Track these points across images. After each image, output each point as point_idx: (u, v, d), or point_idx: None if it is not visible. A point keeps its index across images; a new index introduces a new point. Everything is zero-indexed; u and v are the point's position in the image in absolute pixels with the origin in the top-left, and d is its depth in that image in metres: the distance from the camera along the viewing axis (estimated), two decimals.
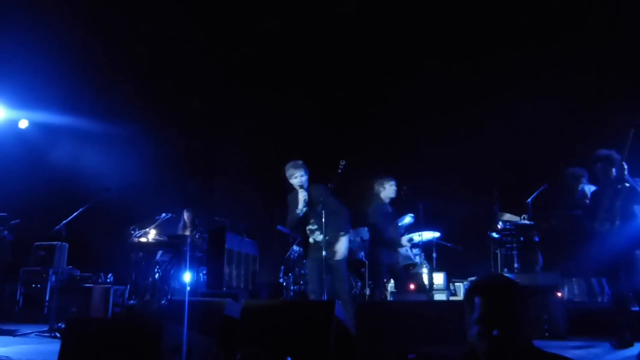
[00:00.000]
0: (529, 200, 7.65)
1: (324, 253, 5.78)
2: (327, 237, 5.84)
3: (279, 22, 9.87)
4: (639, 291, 5.37)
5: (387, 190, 6.88)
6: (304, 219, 6.07)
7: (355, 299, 7.66)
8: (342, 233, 5.96)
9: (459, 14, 9.26)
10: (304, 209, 6.03)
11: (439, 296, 8.07)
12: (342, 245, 5.95)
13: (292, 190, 6.20)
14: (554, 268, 7.04)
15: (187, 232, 8.83)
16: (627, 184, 5.46)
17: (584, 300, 7.35)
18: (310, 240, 6.12)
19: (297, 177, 6.08)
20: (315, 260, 5.96)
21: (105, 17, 9.53)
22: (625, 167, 5.43)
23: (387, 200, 6.90)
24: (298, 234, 6.82)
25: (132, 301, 8.01)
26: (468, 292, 2.10)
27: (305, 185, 6.14)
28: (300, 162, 6.19)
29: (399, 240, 6.96)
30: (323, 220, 5.83)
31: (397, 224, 7.35)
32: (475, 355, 2.02)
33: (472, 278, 8.10)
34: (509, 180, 8.48)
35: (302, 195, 6.08)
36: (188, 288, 7.94)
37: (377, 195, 6.87)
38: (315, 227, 6.03)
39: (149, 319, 6.43)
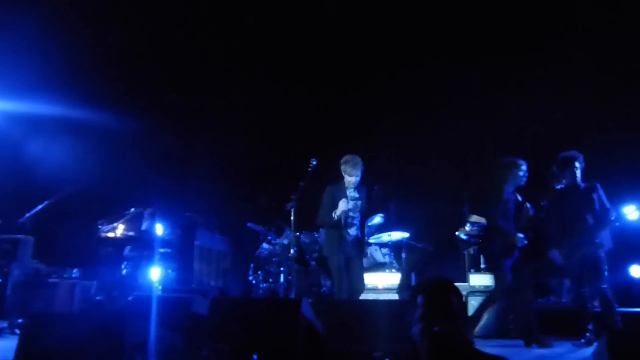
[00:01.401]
0: None
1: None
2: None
3: (256, 16, 9.82)
4: (603, 292, 5.48)
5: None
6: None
7: (325, 298, 7.70)
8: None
9: (439, 14, 9.33)
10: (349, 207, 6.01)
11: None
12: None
13: (333, 183, 6.15)
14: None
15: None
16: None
17: (549, 300, 7.52)
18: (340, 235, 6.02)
19: (354, 177, 6.07)
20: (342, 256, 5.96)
21: (75, 6, 9.33)
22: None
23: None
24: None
25: (98, 297, 7.88)
26: (412, 291, 2.30)
27: (356, 180, 6.11)
28: (358, 160, 6.13)
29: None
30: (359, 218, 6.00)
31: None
32: (417, 354, 2.13)
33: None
34: (479, 181, 8.60)
35: (349, 195, 6.11)
36: (157, 285, 7.86)
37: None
38: (355, 222, 6.06)
39: (114, 315, 6.34)
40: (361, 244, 6.01)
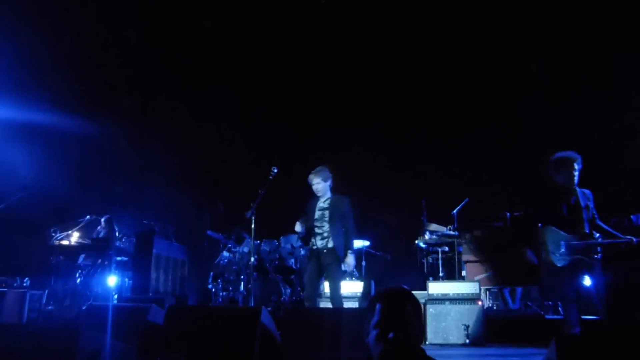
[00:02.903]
0: (454, 211, 7.95)
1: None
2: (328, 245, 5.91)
3: (211, 20, 9.78)
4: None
5: None
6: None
7: (284, 306, 7.68)
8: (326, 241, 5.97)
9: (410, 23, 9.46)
10: (315, 217, 6.03)
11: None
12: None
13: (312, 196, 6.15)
14: (475, 277, 7.34)
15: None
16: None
17: (503, 308, 7.70)
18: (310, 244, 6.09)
19: (314, 185, 6.08)
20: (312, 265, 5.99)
21: (34, 9, 9.09)
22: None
23: None
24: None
25: (50, 307, 7.63)
26: (371, 299, 2.34)
27: (323, 193, 6.09)
28: (321, 168, 6.14)
29: None
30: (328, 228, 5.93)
31: None
32: None
33: None
34: (436, 191, 8.76)
35: (318, 205, 6.10)
36: (113, 294, 7.68)
37: None
38: (319, 232, 6.03)
39: (66, 325, 6.15)
40: (333, 252, 5.87)
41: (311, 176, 6.10)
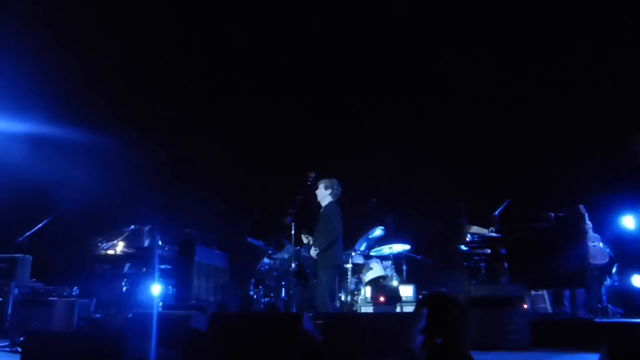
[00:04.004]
0: (496, 213, 7.79)
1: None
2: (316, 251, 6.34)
3: (246, 28, 9.91)
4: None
5: None
6: None
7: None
8: (315, 248, 6.32)
9: (428, 22, 9.40)
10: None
11: (409, 308, 8.11)
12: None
13: None
14: (519, 280, 7.15)
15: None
16: None
17: (549, 312, 7.49)
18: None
19: (317, 190, 6.53)
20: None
21: (75, 28, 9.42)
22: None
23: None
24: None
25: (97, 315, 7.84)
26: (417, 304, 2.36)
27: (320, 199, 6.54)
28: (329, 179, 6.63)
29: None
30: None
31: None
32: None
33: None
34: (477, 192, 8.62)
35: None
36: (158, 301, 7.83)
37: None
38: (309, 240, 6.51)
39: (113, 333, 6.30)
40: (319, 258, 6.34)
41: (319, 182, 6.52)
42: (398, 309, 7.38)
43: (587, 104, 8.54)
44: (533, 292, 7.48)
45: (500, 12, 8.93)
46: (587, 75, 8.63)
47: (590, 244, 7.25)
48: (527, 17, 8.93)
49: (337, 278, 6.94)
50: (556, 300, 7.65)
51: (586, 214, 7.38)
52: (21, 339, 6.21)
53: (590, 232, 7.42)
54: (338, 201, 6.69)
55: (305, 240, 6.86)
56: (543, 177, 8.59)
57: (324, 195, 6.45)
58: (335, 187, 6.50)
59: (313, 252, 6.25)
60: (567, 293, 7.60)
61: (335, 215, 6.43)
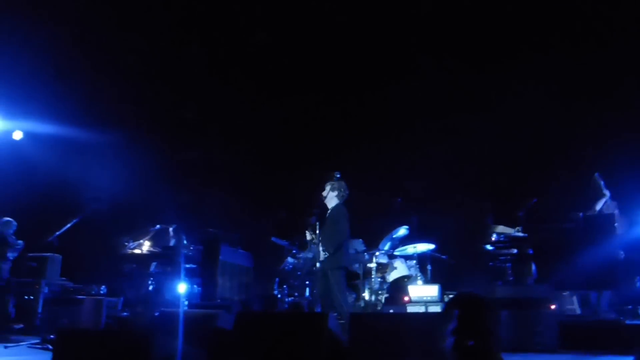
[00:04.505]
0: (521, 212, 7.68)
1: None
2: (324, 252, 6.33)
3: (270, 31, 9.94)
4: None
5: None
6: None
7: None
8: (323, 249, 6.34)
9: (451, 20, 9.33)
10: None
11: (433, 308, 8.05)
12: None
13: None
14: (546, 280, 7.04)
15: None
16: None
17: (577, 313, 7.36)
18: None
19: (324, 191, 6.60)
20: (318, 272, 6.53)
21: (98, 28, 9.58)
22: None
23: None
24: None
25: (124, 313, 7.96)
26: (447, 305, 2.34)
27: (326, 200, 6.56)
28: (333, 181, 6.61)
29: None
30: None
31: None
32: None
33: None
34: (502, 192, 8.52)
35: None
36: (184, 301, 7.91)
37: None
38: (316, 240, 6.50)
39: (140, 331, 6.39)
40: (328, 259, 6.40)
41: (326, 184, 6.56)
42: (423, 309, 7.32)
43: (620, 102, 8.38)
44: (561, 293, 7.36)
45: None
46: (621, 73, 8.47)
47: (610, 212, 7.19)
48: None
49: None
50: (585, 301, 7.51)
51: (602, 182, 7.27)
52: (52, 336, 6.35)
53: (608, 201, 7.32)
54: (345, 203, 6.70)
55: (309, 237, 6.85)
56: (570, 176, 8.45)
57: (330, 197, 6.51)
58: (342, 189, 6.55)
59: (322, 254, 6.28)
60: (595, 294, 7.46)
61: (342, 216, 6.45)
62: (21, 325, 7.98)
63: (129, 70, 10.09)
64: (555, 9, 8.72)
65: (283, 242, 8.52)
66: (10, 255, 8.46)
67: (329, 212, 6.49)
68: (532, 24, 8.96)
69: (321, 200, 6.59)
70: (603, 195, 7.26)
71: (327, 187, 6.50)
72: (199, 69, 10.44)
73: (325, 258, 6.29)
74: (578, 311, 7.45)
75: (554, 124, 8.80)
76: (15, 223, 8.54)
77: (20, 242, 8.58)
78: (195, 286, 8.59)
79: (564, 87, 8.76)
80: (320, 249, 6.38)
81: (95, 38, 9.80)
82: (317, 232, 6.52)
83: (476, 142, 9.01)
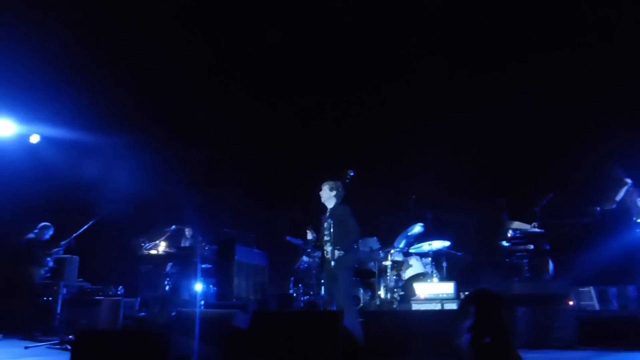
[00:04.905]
0: (538, 208, 7.61)
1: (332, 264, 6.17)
2: (335, 251, 6.26)
3: (279, 33, 9.96)
4: None
5: None
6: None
7: (363, 309, 7.64)
8: (336, 248, 6.28)
9: (459, 17, 9.27)
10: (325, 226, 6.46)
11: (449, 305, 8.01)
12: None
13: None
14: (564, 276, 6.97)
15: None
16: None
17: (596, 309, 7.27)
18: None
19: (321, 192, 6.57)
20: (325, 273, 6.44)
21: (109, 33, 9.67)
22: None
23: None
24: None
25: (142, 313, 8.03)
26: (463, 301, 2.29)
27: (326, 200, 6.53)
28: (333, 181, 6.60)
29: None
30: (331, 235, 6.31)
31: None
32: None
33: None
34: (517, 188, 8.45)
35: (327, 211, 6.54)
36: (201, 301, 7.96)
37: None
38: (327, 239, 6.38)
39: (158, 331, 6.45)
40: (338, 259, 6.30)
41: (323, 186, 6.54)
42: (439, 306, 7.28)
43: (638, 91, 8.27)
44: (579, 289, 7.28)
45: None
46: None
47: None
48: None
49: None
50: (603, 297, 7.42)
51: (621, 170, 7.18)
52: (70, 336, 6.43)
53: (631, 188, 7.23)
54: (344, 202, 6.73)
55: (309, 237, 6.86)
56: (587, 171, 8.34)
57: (329, 197, 6.51)
58: (340, 189, 6.56)
59: (335, 253, 6.25)
60: (614, 290, 7.37)
61: (348, 215, 6.46)
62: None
63: (142, 74, 10.16)
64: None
65: (298, 241, 8.53)
66: (49, 260, 8.53)
67: (330, 212, 6.47)
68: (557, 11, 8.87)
69: (318, 201, 6.62)
70: (625, 183, 7.15)
71: (326, 187, 6.51)
72: (211, 69, 10.49)
73: (337, 257, 6.27)
74: (597, 307, 7.36)
75: (570, 117, 8.70)
76: (52, 228, 8.63)
77: (55, 249, 8.65)
78: (211, 286, 8.65)
79: (580, 79, 8.66)
80: (328, 249, 6.32)
81: (109, 42, 9.88)
82: (332, 231, 6.49)
83: (491, 138, 8.93)
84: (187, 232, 9.04)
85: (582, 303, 7.36)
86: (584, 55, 8.58)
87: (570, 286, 6.26)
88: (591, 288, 7.42)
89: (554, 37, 8.86)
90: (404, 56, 9.73)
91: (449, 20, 9.30)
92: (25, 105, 9.72)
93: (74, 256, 8.70)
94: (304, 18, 9.78)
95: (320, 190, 6.54)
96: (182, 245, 8.91)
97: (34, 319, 8.66)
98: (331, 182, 6.54)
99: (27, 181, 9.78)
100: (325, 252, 6.39)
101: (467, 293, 3.97)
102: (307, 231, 6.81)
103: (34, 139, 10.11)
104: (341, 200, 6.54)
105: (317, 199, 6.71)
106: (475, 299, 2.25)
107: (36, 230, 8.64)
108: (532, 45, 9.03)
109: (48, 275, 8.61)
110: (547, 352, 5.78)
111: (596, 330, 5.99)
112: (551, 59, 8.85)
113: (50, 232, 8.49)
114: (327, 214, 6.50)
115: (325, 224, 6.46)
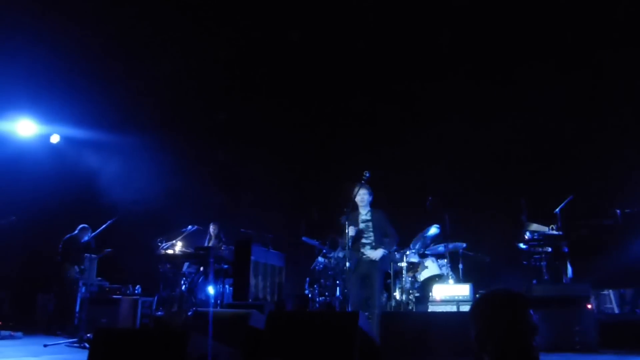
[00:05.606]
0: (557, 210, 7.51)
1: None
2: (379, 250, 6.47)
3: (300, 36, 9.97)
4: None
5: None
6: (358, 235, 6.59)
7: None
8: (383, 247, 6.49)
9: (472, 19, 9.21)
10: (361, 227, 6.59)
11: (465, 307, 7.94)
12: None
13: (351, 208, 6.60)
14: (584, 279, 6.87)
15: (211, 245, 8.92)
16: None
17: (615, 312, 7.17)
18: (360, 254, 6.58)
19: (361, 195, 6.63)
20: (357, 274, 6.49)
21: (130, 35, 9.76)
22: None
23: None
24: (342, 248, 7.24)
25: (159, 312, 8.09)
26: (480, 301, 2.23)
27: (365, 204, 6.67)
28: (368, 185, 6.70)
29: None
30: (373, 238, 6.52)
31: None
32: None
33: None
34: (536, 189, 8.35)
35: (362, 216, 6.65)
36: (216, 301, 8.00)
37: None
38: (368, 241, 6.55)
39: (175, 330, 6.49)
40: (376, 262, 6.48)
41: (361, 189, 6.58)
42: (455, 308, 7.23)
43: None
44: (598, 292, 7.18)
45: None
46: None
47: None
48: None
49: None
50: (623, 300, 7.31)
51: None
52: (89, 335, 6.50)
53: None
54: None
55: (352, 233, 6.73)
56: (608, 172, 8.23)
57: (368, 201, 6.66)
58: (370, 192, 6.76)
59: (378, 252, 6.38)
60: (632, 292, 7.27)
61: (387, 218, 6.68)
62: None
63: (164, 74, 10.25)
64: None
65: (314, 242, 8.53)
66: (88, 261, 8.65)
67: (370, 214, 6.61)
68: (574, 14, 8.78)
69: (353, 200, 6.63)
70: None
71: (365, 191, 6.61)
72: (231, 72, 10.56)
73: (381, 257, 6.44)
74: (616, 310, 7.25)
75: (589, 118, 8.58)
76: (90, 230, 8.78)
77: (95, 255, 8.84)
78: (228, 286, 8.69)
79: (604, 80, 8.55)
80: (367, 251, 6.44)
81: (130, 43, 9.99)
82: (348, 231, 6.49)
83: (509, 138, 8.85)
84: (212, 230, 9.09)
85: (601, 306, 7.27)
86: (611, 55, 8.45)
87: (589, 289, 6.17)
88: (610, 291, 7.32)
89: (578, 35, 8.74)
90: (420, 58, 9.68)
91: (473, 19, 9.22)
92: (46, 106, 9.86)
93: (92, 255, 8.81)
94: (324, 18, 9.79)
95: (359, 194, 6.59)
96: (206, 243, 8.98)
97: (53, 317, 8.82)
98: (368, 186, 6.66)
99: (47, 181, 9.92)
100: (360, 253, 6.51)
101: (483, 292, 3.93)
102: (349, 227, 6.75)
103: (54, 139, 10.27)
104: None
105: (337, 200, 6.77)
106: (493, 301, 2.20)
107: (76, 231, 9.01)
108: (556, 44, 8.92)
109: (77, 276, 8.76)
110: (567, 356, 5.71)
111: (617, 333, 5.91)
112: (576, 57, 8.74)
113: (89, 234, 8.63)
114: (366, 216, 6.64)
115: (363, 226, 6.60)
